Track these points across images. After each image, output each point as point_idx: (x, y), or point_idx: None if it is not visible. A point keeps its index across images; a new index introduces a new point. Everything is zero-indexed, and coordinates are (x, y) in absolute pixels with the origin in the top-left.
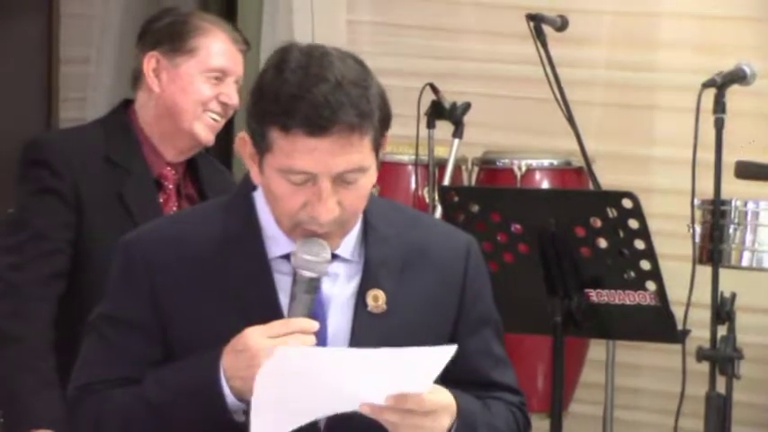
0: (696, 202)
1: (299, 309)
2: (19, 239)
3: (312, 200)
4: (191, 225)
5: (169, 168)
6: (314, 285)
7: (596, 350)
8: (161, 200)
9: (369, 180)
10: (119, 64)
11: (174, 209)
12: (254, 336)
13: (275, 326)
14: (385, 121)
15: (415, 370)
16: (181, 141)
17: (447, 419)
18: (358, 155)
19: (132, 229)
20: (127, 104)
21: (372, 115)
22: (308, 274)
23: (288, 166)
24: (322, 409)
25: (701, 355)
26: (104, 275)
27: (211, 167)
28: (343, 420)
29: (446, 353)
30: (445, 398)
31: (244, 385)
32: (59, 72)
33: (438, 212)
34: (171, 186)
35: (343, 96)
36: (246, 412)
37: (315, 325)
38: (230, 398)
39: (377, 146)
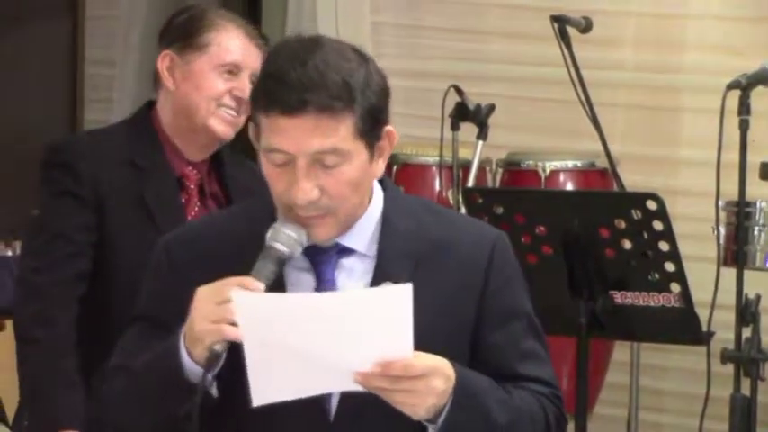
0: (721, 203)
1: (255, 274)
2: (40, 242)
3: (291, 182)
4: (220, 224)
5: (190, 168)
6: (278, 258)
7: (621, 352)
8: (183, 200)
9: (353, 168)
10: (143, 65)
11: (197, 209)
12: (198, 291)
13: (219, 282)
14: (375, 111)
15: (379, 313)
16: (199, 138)
17: (440, 382)
18: (333, 138)
19: (154, 231)
20: (151, 105)
21: (351, 101)
22: (279, 246)
23: (268, 146)
24: (319, 381)
25: (725, 357)
26: (127, 276)
27: (238, 165)
28: (355, 408)
29: (403, 292)
30: (435, 361)
31: (193, 344)
32: (84, 74)
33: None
34: (192, 187)
35: (318, 78)
36: (224, 387)
37: (256, 284)
38: (186, 359)
39: (365, 135)
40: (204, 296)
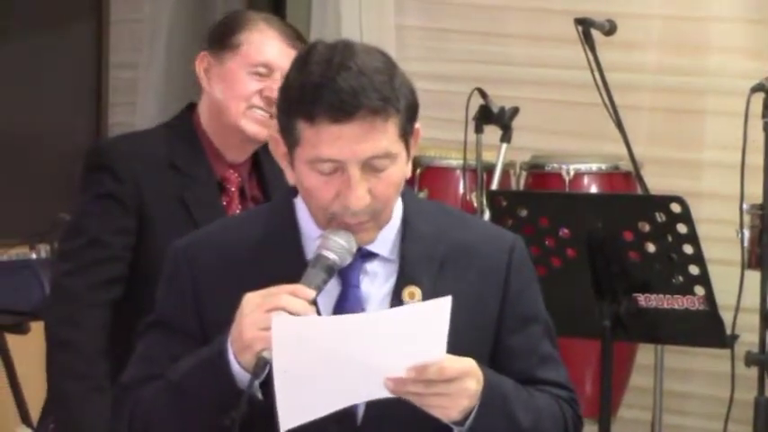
0: (745, 206)
1: (306, 282)
2: (75, 245)
3: (343, 189)
4: (235, 229)
5: (231, 171)
6: (329, 266)
7: (645, 355)
8: (224, 203)
9: (398, 169)
10: (168, 69)
11: (238, 211)
12: (247, 298)
13: (270, 289)
14: (412, 109)
15: (418, 328)
16: (233, 138)
17: (472, 383)
18: (384, 141)
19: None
20: (192, 107)
21: (397, 101)
22: (330, 255)
23: (315, 156)
24: (348, 393)
25: (749, 360)
26: None
27: (276, 167)
28: (382, 412)
29: (443, 305)
30: (467, 363)
31: (241, 352)
32: (109, 77)
33: (486, 217)
34: (233, 189)
35: (365, 82)
36: (265, 392)
37: (308, 292)
38: (235, 366)
39: (405, 134)
40: (253, 303)
